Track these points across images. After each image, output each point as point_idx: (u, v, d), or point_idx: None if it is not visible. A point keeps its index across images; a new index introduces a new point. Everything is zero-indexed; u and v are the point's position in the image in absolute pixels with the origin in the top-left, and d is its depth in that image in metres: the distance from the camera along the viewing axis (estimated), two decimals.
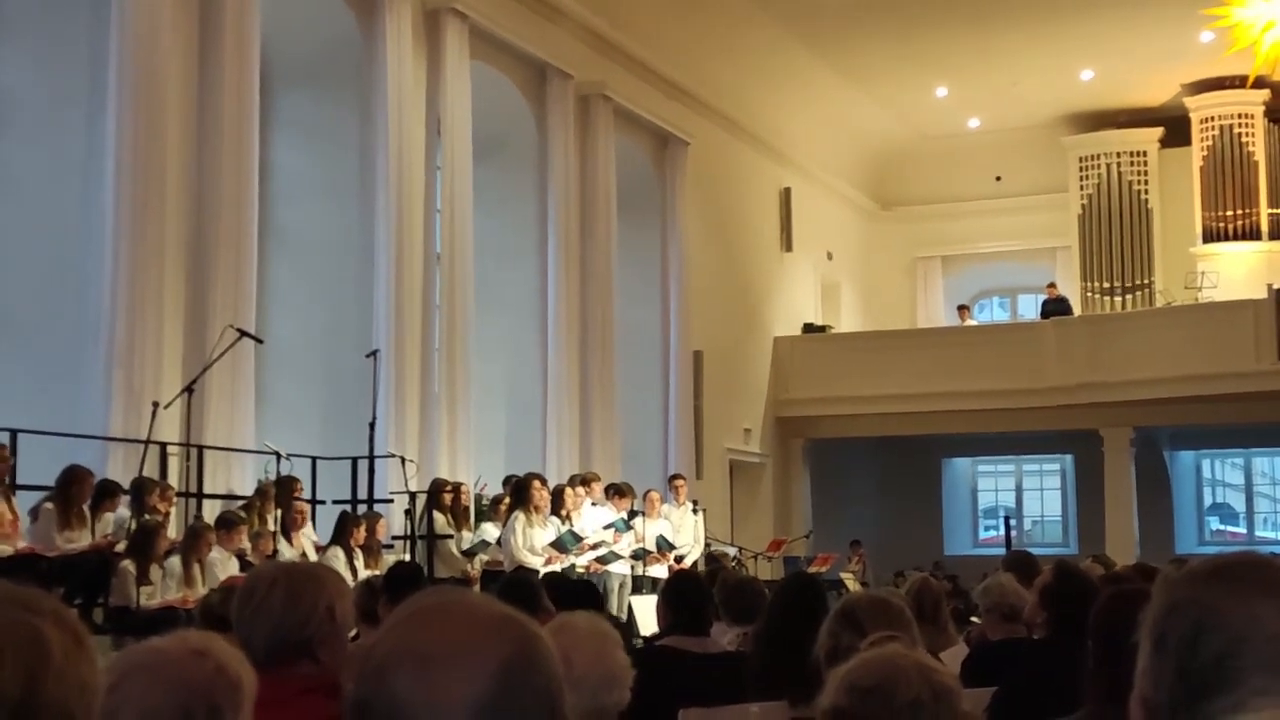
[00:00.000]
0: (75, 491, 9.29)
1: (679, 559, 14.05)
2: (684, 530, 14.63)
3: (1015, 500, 26.23)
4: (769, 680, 4.21)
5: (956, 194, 25.83)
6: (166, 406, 10.54)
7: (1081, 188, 24.46)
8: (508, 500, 12.79)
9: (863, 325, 25.13)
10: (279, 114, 13.95)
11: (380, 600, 5.79)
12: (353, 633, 3.32)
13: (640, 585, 13.26)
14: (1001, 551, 14.97)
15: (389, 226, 13.49)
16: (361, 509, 11.81)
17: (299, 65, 14.02)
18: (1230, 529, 25.14)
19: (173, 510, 10.23)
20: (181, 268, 11.51)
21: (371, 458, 11.99)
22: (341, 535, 11.00)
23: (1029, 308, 26.34)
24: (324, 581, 3.12)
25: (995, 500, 26.51)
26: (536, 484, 12.67)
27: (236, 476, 11.51)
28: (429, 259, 14.33)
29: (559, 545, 12.51)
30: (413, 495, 12.41)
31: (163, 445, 10.64)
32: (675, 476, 15.75)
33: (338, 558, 10.70)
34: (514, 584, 6.14)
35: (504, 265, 16.27)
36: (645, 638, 9.75)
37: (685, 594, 5.32)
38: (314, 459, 12.14)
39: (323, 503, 12.12)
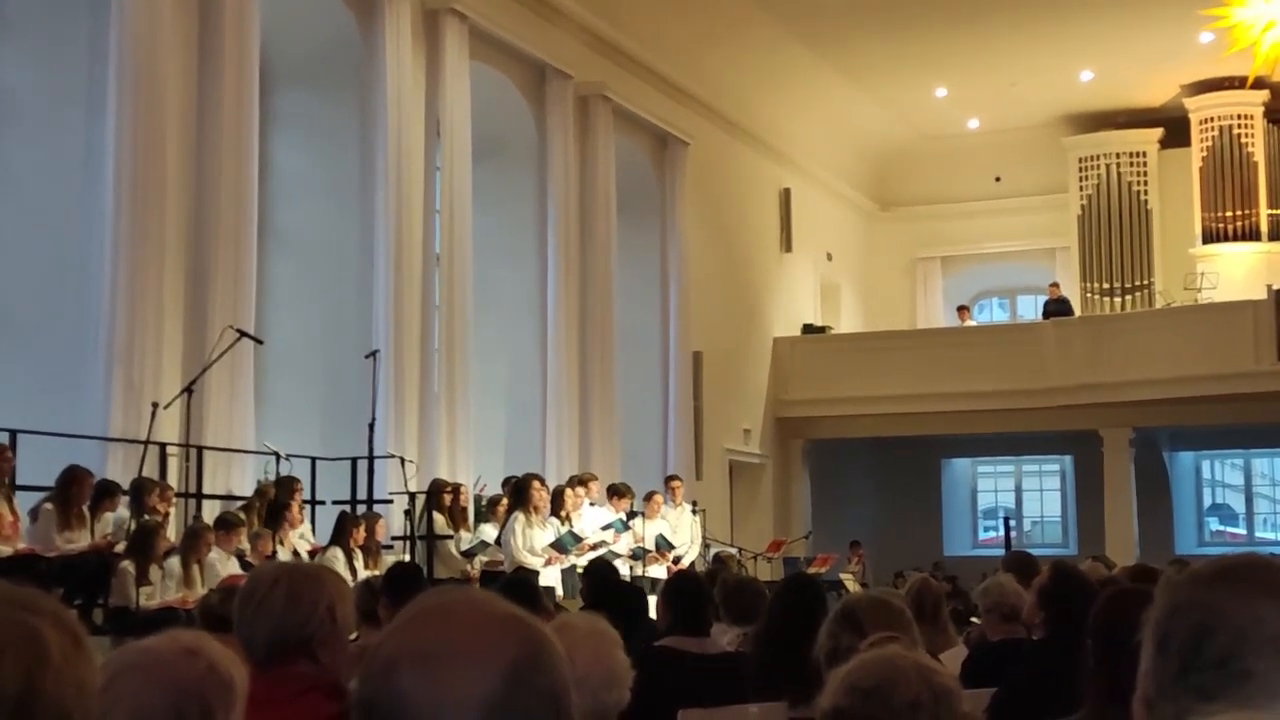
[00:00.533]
0: (75, 492, 9.29)
1: (676, 560, 14.05)
2: (681, 531, 14.63)
3: (1015, 501, 26.23)
4: (768, 681, 4.21)
5: (956, 194, 25.84)
6: (166, 407, 10.53)
7: (1081, 188, 24.46)
8: (506, 501, 12.79)
9: (862, 326, 25.14)
10: (278, 114, 13.95)
11: (380, 601, 5.78)
12: (353, 635, 3.32)
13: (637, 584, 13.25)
14: (1001, 552, 14.96)
15: (388, 226, 13.49)
16: (361, 509, 11.80)
17: (298, 65, 14.02)
18: (1230, 530, 25.14)
19: (172, 511, 10.22)
20: (181, 268, 11.51)
21: (371, 458, 11.99)
22: (341, 536, 10.99)
23: (1028, 308, 26.36)
24: (325, 582, 3.12)
25: (995, 501, 26.50)
26: (536, 484, 12.66)
27: (236, 477, 11.51)
28: (428, 259, 14.33)
29: (559, 546, 12.51)
30: (412, 496, 12.41)
31: (162, 445, 10.63)
32: (671, 477, 15.75)
33: (337, 558, 10.69)
34: (514, 585, 6.14)
35: (503, 265, 16.27)
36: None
37: (685, 594, 5.32)
38: (313, 459, 12.14)
39: (322, 503, 12.12)
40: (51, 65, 11.44)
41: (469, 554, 12.43)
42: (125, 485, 9.85)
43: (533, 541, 12.35)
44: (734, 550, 16.23)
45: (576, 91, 16.85)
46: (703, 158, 19.81)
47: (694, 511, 15.32)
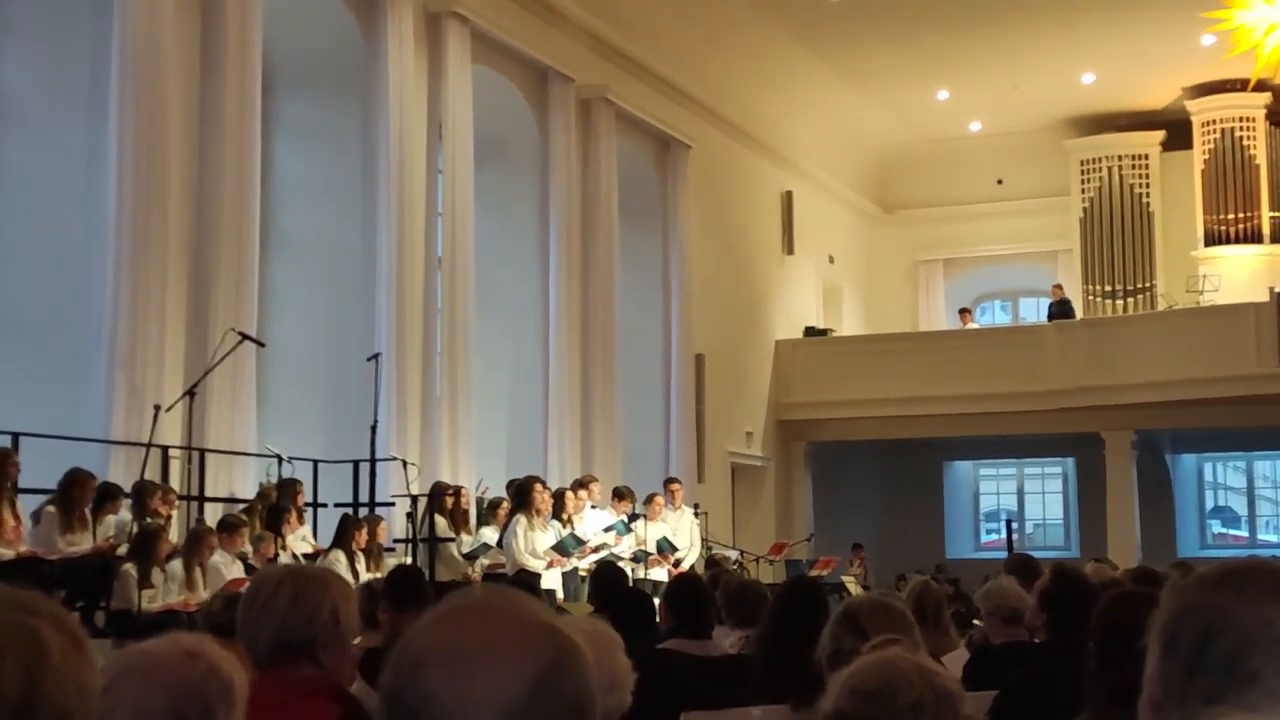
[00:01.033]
0: (77, 495, 9.28)
1: (676, 562, 14.05)
2: (680, 533, 14.62)
3: (1017, 503, 26.22)
4: (771, 683, 4.21)
5: (958, 197, 25.84)
6: (168, 410, 10.53)
7: (1083, 191, 24.46)
8: (506, 504, 12.79)
9: (864, 328, 25.14)
10: (281, 117, 13.96)
11: (381, 604, 5.78)
12: (356, 639, 3.32)
13: (641, 588, 13.24)
14: (1003, 555, 14.94)
15: (390, 230, 13.50)
16: (363, 512, 11.80)
17: (301, 68, 14.03)
18: (1232, 532, 25.12)
19: (174, 514, 10.22)
20: (183, 270, 11.52)
21: (373, 461, 11.98)
22: (343, 538, 10.99)
23: (1030, 311, 26.37)
24: (329, 585, 3.12)
25: (997, 503, 26.49)
26: (538, 487, 12.67)
27: (238, 480, 11.51)
28: (430, 262, 14.34)
29: (560, 549, 12.51)
30: (414, 498, 12.41)
31: (164, 448, 10.63)
32: (670, 480, 15.74)
33: (339, 561, 10.69)
34: (515, 587, 6.13)
35: (505, 269, 16.27)
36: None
37: (687, 597, 5.32)
38: (315, 462, 12.14)
39: (324, 506, 12.13)
40: (54, 67, 11.44)
41: (470, 557, 12.43)
42: (127, 488, 9.85)
43: (534, 544, 12.36)
44: (730, 553, 16.24)
45: (578, 94, 16.86)
46: (705, 161, 19.82)
47: (695, 514, 15.32)
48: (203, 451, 11.03)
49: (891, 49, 20.96)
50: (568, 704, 1.36)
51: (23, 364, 11.01)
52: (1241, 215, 23.28)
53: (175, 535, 10.07)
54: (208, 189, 11.69)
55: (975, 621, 7.47)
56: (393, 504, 12.43)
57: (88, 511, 9.38)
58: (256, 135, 12.16)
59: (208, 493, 11.05)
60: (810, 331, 22.94)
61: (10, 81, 11.52)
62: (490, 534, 12.73)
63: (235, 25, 11.92)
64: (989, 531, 26.17)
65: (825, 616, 3.86)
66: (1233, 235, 23.29)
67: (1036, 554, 9.40)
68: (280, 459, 11.64)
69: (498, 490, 13.71)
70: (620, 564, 13.05)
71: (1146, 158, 24.23)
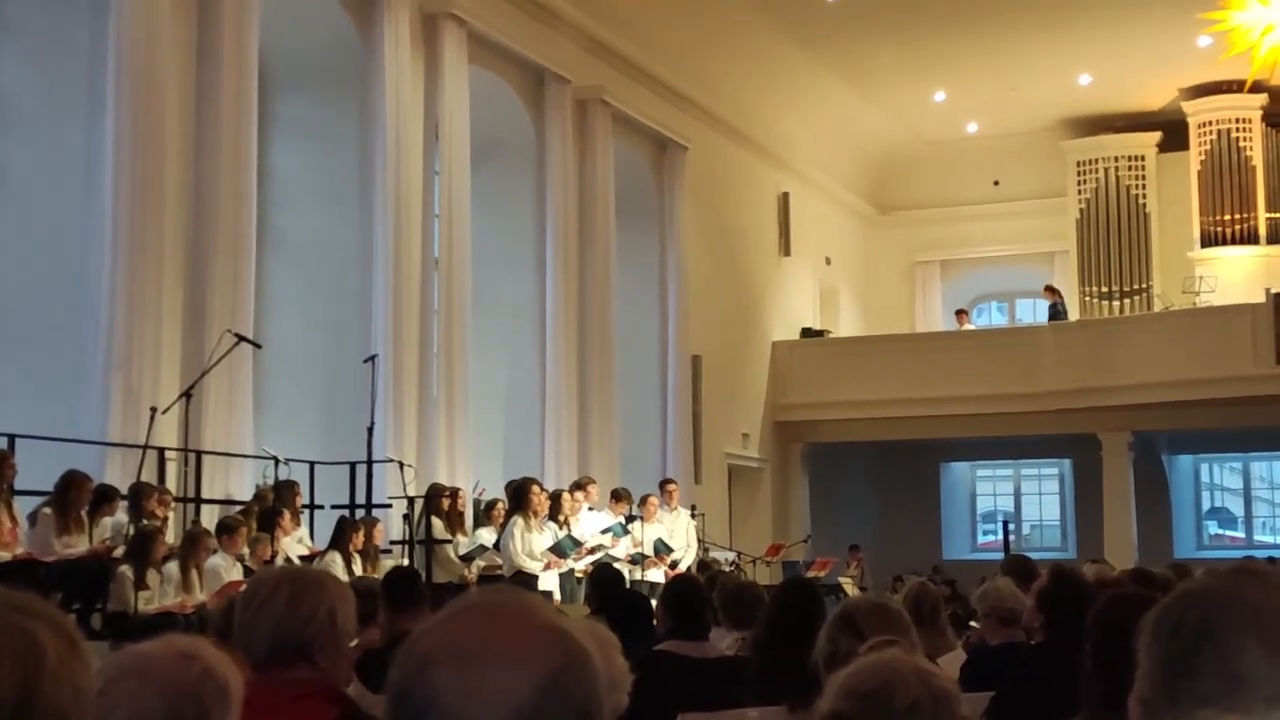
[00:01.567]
0: (73, 497, 9.27)
1: (673, 564, 14.06)
2: (677, 534, 14.63)
3: (1014, 505, 26.22)
4: (768, 685, 4.21)
5: (955, 198, 25.85)
6: (165, 411, 10.52)
7: (1079, 192, 24.47)
8: (502, 505, 12.80)
9: (861, 330, 25.14)
10: (277, 118, 13.96)
11: (379, 604, 5.79)
12: (353, 641, 3.32)
13: (637, 589, 13.24)
14: (1000, 556, 14.96)
15: (387, 231, 13.49)
16: (359, 514, 11.79)
17: (297, 69, 14.03)
18: (1229, 533, 25.13)
19: (171, 516, 10.21)
20: (180, 272, 11.51)
21: (370, 462, 11.98)
22: (340, 540, 10.99)
23: (1027, 312, 26.37)
24: (326, 587, 3.12)
25: (994, 505, 26.49)
26: (535, 489, 12.68)
27: (235, 481, 11.50)
28: (427, 264, 14.33)
29: (558, 550, 12.51)
30: (411, 500, 12.40)
31: (161, 450, 10.63)
32: (666, 481, 15.75)
33: (336, 562, 10.68)
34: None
35: (502, 270, 16.27)
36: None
37: (684, 599, 5.32)
38: (312, 464, 12.13)
39: (321, 507, 12.11)
40: (51, 68, 11.44)
41: (467, 558, 12.43)
42: (123, 490, 9.84)
43: (531, 546, 12.36)
44: (725, 555, 16.23)
45: (575, 96, 16.86)
46: (701, 162, 19.82)
47: (692, 515, 15.32)
48: (199, 453, 11.01)
49: (888, 50, 20.97)
50: (575, 707, 1.36)
51: (19, 365, 11.01)
52: (1237, 216, 23.29)
53: (172, 537, 10.06)
54: (204, 190, 11.68)
55: (972, 623, 7.48)
56: (389, 506, 12.42)
57: (84, 513, 9.37)
58: (253, 136, 12.15)
59: (204, 495, 11.03)
60: (807, 333, 22.95)
61: (8, 82, 11.51)
62: (487, 535, 12.73)
63: (232, 26, 11.92)
64: (986, 533, 26.17)
65: (822, 618, 3.86)
66: (1229, 236, 23.30)
67: (1033, 555, 9.40)
68: (277, 461, 11.63)
69: (495, 492, 13.71)
70: (617, 565, 13.08)
71: (1143, 159, 24.25)
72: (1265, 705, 1.44)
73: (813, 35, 20.38)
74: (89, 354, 10.73)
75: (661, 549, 13.88)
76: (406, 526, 12.33)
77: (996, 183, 25.75)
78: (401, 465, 12.51)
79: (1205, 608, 1.53)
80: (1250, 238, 23.27)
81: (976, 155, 25.42)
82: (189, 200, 11.63)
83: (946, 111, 24.06)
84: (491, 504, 13.09)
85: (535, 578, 12.19)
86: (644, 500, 14.23)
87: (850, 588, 15.86)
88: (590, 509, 13.87)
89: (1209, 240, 23.38)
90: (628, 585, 13.18)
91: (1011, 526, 23.02)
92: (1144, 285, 23.85)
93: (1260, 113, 23.32)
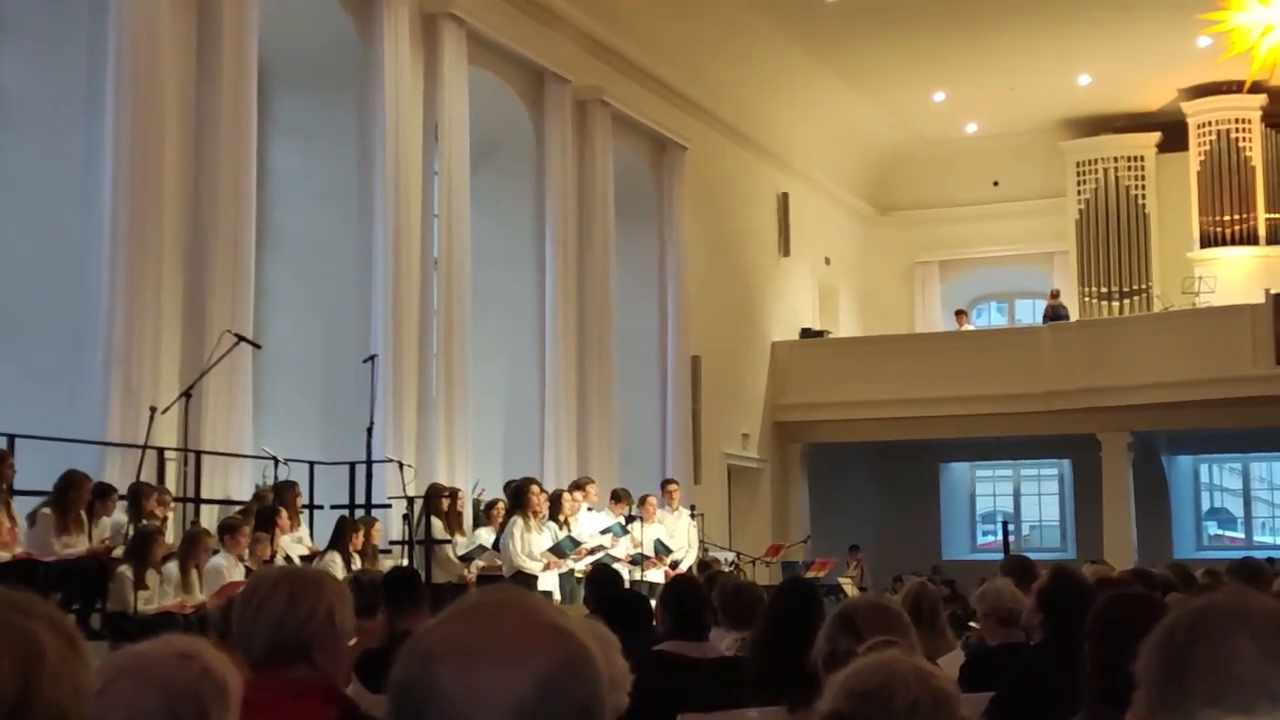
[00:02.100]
0: (73, 497, 9.26)
1: (674, 564, 14.05)
2: (678, 535, 14.64)
3: (1013, 505, 26.23)
4: (767, 685, 4.21)
5: (954, 199, 25.85)
6: (164, 411, 10.52)
7: (1079, 192, 24.48)
8: (502, 505, 12.80)
9: (860, 330, 25.15)
10: (277, 117, 13.96)
11: (380, 603, 5.80)
12: (352, 640, 3.32)
13: (637, 589, 13.24)
14: (999, 556, 14.95)
15: (387, 231, 13.49)
16: (359, 514, 11.79)
17: (297, 69, 14.03)
18: (1228, 534, 25.14)
19: (170, 515, 10.21)
20: (179, 272, 11.51)
21: (369, 462, 11.98)
22: (339, 540, 10.99)
23: (1027, 312, 26.38)
24: (325, 586, 3.12)
25: (993, 505, 26.50)
26: (534, 489, 12.68)
27: (234, 481, 11.50)
28: (426, 264, 14.33)
29: (557, 550, 12.51)
30: (410, 500, 12.40)
31: (160, 450, 10.63)
32: (668, 481, 15.75)
33: (335, 562, 10.68)
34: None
35: (502, 270, 16.27)
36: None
37: (683, 599, 5.32)
38: (311, 464, 12.12)
39: (320, 507, 12.11)
40: (50, 67, 11.44)
41: (466, 558, 12.43)
42: (123, 490, 9.84)
43: (531, 546, 12.36)
44: (724, 555, 16.23)
45: (574, 96, 16.86)
46: (701, 162, 19.82)
47: (692, 515, 15.32)
48: (198, 453, 11.01)
49: (888, 50, 20.97)
50: (577, 706, 1.36)
51: (18, 365, 11.00)
52: (1237, 217, 23.31)
53: (171, 537, 10.06)
54: (204, 189, 11.68)
55: (971, 623, 7.48)
56: (389, 506, 12.42)
57: (83, 513, 9.37)
58: (252, 135, 12.15)
59: (203, 494, 11.03)
60: (806, 333, 22.96)
61: (6, 82, 11.51)
62: (486, 535, 12.73)
63: (231, 25, 11.91)
64: (985, 533, 26.18)
65: (820, 618, 3.86)
66: (1228, 237, 23.31)
67: (1033, 556, 9.40)
68: (276, 461, 11.63)
69: (494, 492, 13.71)
70: (617, 566, 13.08)
71: (1142, 159, 24.26)
72: (1269, 703, 1.44)
73: (812, 35, 20.39)
74: (88, 353, 10.73)
75: (661, 549, 13.88)
76: (406, 526, 12.33)
77: (996, 183, 25.75)
78: (401, 465, 12.51)
79: (1197, 615, 1.53)
80: (1250, 238, 23.28)
81: (976, 155, 25.43)
82: (188, 200, 11.63)
83: (946, 112, 24.06)
84: (491, 504, 13.09)
85: (535, 578, 12.19)
86: (642, 500, 14.23)
87: (850, 588, 15.86)
88: (589, 509, 13.87)
89: (1208, 241, 23.39)
90: (626, 585, 13.23)
91: (1011, 527, 23.02)
92: (1143, 286, 23.86)
93: (1260, 113, 23.34)
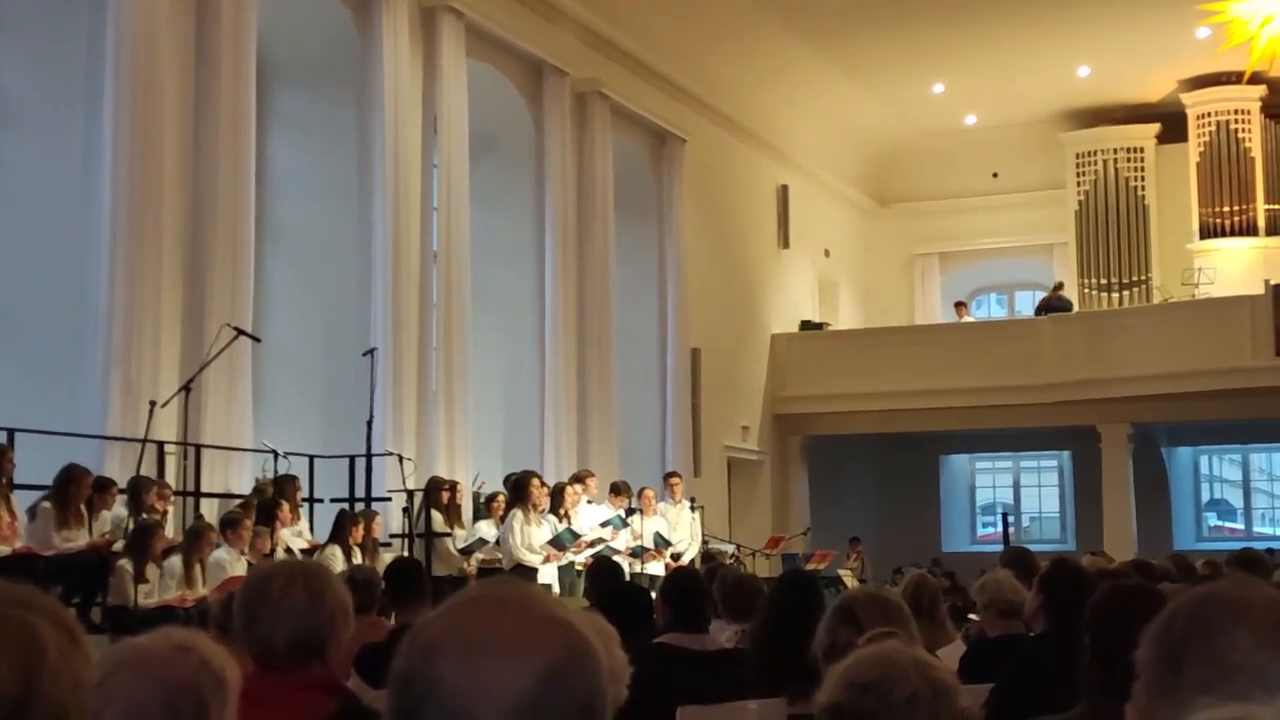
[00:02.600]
0: (73, 491, 9.28)
1: (675, 556, 14.06)
2: (680, 527, 14.65)
3: (1013, 497, 26.24)
4: (767, 677, 4.21)
5: (953, 190, 25.83)
6: (164, 405, 10.53)
7: (1078, 184, 24.46)
8: (502, 499, 12.80)
9: (860, 322, 25.14)
10: (276, 112, 13.95)
11: (377, 594, 5.81)
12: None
13: (637, 582, 13.26)
14: (999, 548, 14.97)
15: (386, 225, 13.49)
16: (359, 507, 11.80)
17: (296, 63, 14.02)
18: (1228, 525, 25.15)
19: (170, 509, 10.23)
20: (179, 266, 11.51)
21: (369, 456, 11.99)
22: (339, 533, 11.00)
23: (1026, 304, 26.35)
24: (334, 581, 3.13)
25: (993, 497, 26.51)
26: (534, 482, 12.68)
27: (234, 475, 11.51)
28: (426, 257, 14.33)
29: (557, 543, 12.52)
30: (410, 493, 12.41)
31: (160, 444, 10.63)
32: (670, 474, 15.76)
33: (335, 556, 10.70)
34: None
35: (501, 263, 16.26)
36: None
37: (684, 591, 5.32)
38: (311, 457, 12.14)
39: (320, 501, 12.12)
40: (49, 65, 11.43)
41: (466, 551, 12.44)
42: (123, 484, 9.85)
43: (530, 539, 12.37)
44: (726, 547, 16.25)
45: (574, 89, 16.85)
46: (700, 155, 19.81)
47: (693, 509, 15.33)
48: (198, 447, 11.02)
49: (887, 42, 20.95)
50: (578, 699, 1.36)
51: (19, 360, 11.01)
52: (1236, 208, 23.30)
53: (171, 531, 10.07)
54: (203, 184, 11.68)
55: (971, 615, 7.48)
56: (389, 499, 12.43)
57: (83, 507, 9.38)
58: (251, 130, 12.15)
59: (204, 488, 11.05)
60: (806, 325, 22.94)
61: (6, 80, 11.51)
62: (486, 528, 12.74)
63: (230, 20, 11.91)
64: (985, 525, 26.19)
65: (820, 609, 3.86)
66: (1228, 228, 23.30)
67: (1033, 547, 9.41)
68: (276, 454, 11.64)
69: (494, 485, 13.72)
70: (617, 559, 13.08)
71: (1142, 151, 24.24)
72: (1263, 692, 1.44)
73: (811, 27, 20.36)
74: (88, 348, 10.74)
75: (660, 542, 13.88)
76: (406, 520, 12.34)
77: (995, 175, 25.73)
78: (401, 459, 12.52)
79: (1196, 605, 1.53)
80: (1249, 229, 23.27)
81: (975, 147, 25.41)
82: (188, 195, 11.63)
83: (945, 103, 24.04)
84: (492, 497, 13.10)
85: (534, 571, 12.20)
86: (640, 493, 14.23)
87: (850, 580, 15.87)
88: (589, 502, 13.88)
89: (1208, 232, 23.38)
90: (626, 578, 13.24)
91: (1011, 519, 23.04)
92: (1143, 277, 23.85)
93: (1259, 104, 23.31)
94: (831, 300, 24.79)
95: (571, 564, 12.73)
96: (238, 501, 10.91)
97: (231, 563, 9.63)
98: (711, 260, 20.32)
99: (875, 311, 25.71)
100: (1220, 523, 25.27)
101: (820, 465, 22.65)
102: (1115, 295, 23.84)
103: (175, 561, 9.39)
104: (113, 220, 10.72)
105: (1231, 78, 22.66)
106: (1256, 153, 23.34)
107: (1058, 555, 5.28)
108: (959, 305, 23.76)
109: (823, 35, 20.67)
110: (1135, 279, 23.88)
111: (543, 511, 12.72)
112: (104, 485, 9.64)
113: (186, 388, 10.75)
